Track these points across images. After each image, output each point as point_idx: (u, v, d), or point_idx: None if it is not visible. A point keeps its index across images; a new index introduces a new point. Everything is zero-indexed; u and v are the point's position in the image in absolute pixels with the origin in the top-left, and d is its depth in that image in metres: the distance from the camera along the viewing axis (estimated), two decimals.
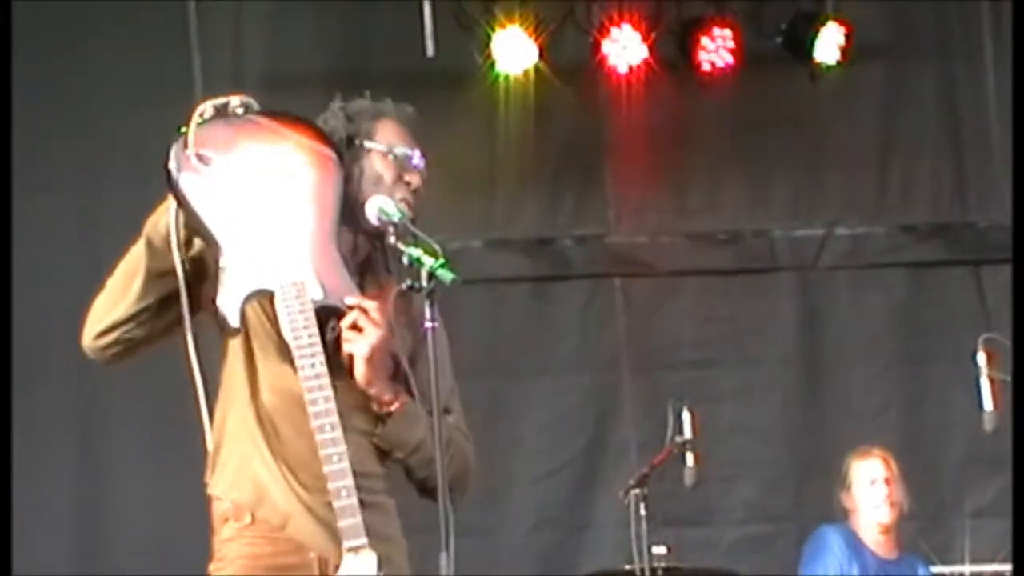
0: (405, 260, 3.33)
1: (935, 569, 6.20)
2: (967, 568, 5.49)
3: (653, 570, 5.61)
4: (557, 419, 7.20)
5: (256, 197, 3.22)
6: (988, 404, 5.11)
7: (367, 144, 3.41)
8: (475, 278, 6.78)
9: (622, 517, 5.90)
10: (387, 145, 3.44)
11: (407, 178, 3.45)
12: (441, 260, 3.30)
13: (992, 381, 5.11)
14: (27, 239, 6.50)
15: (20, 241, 6.32)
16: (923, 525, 6.62)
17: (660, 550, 5.64)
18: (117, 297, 3.30)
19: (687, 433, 5.75)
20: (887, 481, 6.09)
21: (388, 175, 3.41)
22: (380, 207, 3.41)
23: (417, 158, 3.49)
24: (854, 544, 6.08)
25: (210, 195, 3.18)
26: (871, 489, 6.09)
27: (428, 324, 3.31)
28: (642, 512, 5.72)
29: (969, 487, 7.11)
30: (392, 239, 3.35)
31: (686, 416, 5.75)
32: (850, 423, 7.15)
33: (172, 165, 3.17)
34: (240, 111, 3.26)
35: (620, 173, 7.33)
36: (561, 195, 7.35)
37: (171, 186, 3.18)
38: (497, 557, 6.97)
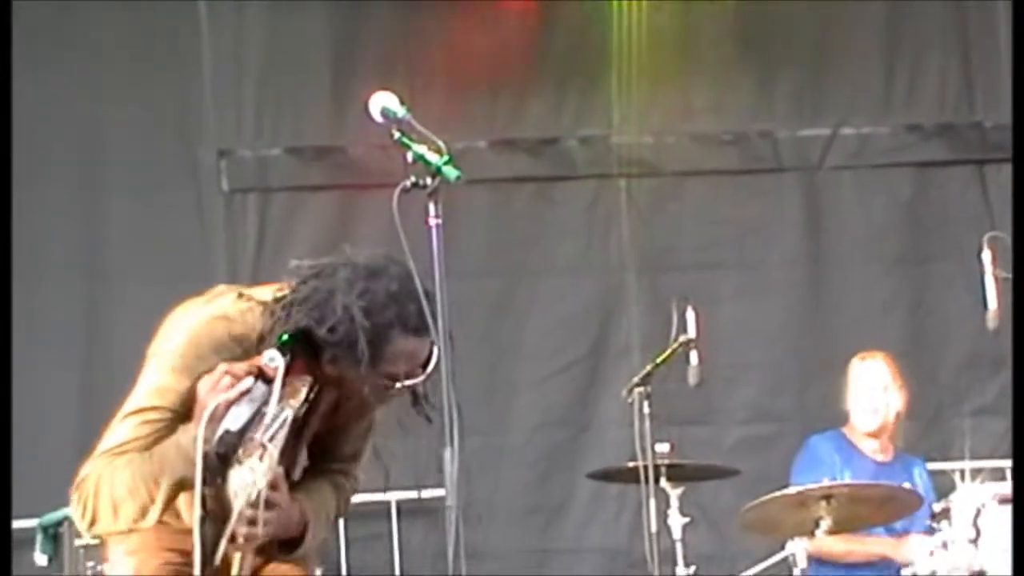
0: (410, 157, 3.33)
1: (935, 466, 6.25)
2: (967, 465, 5.52)
3: (656, 468, 5.64)
4: (561, 320, 7.22)
5: None
6: (992, 302, 5.11)
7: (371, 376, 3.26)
8: (480, 178, 6.78)
9: (625, 417, 5.92)
10: (385, 376, 3.28)
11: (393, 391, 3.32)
12: (446, 157, 3.30)
13: (996, 279, 5.11)
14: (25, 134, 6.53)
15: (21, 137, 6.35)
16: (924, 424, 6.67)
17: (663, 448, 5.67)
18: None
19: (691, 332, 5.75)
20: (874, 389, 6.11)
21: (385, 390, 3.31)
22: (383, 105, 3.41)
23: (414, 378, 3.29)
24: (845, 449, 6.12)
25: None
26: (862, 394, 6.13)
27: (432, 222, 3.32)
28: (645, 411, 5.74)
29: (970, 386, 7.14)
30: (397, 135, 3.34)
31: (690, 315, 5.74)
32: (853, 323, 7.17)
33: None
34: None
35: (625, 73, 7.28)
36: (566, 95, 7.32)
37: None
38: (501, 457, 7.03)
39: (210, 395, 3.11)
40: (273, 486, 3.19)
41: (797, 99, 7.42)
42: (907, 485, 5.72)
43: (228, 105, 7.01)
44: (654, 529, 5.68)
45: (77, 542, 5.37)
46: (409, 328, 3.22)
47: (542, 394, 7.14)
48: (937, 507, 5.42)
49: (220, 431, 3.08)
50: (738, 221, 7.33)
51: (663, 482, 5.68)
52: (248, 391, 3.13)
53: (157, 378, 3.23)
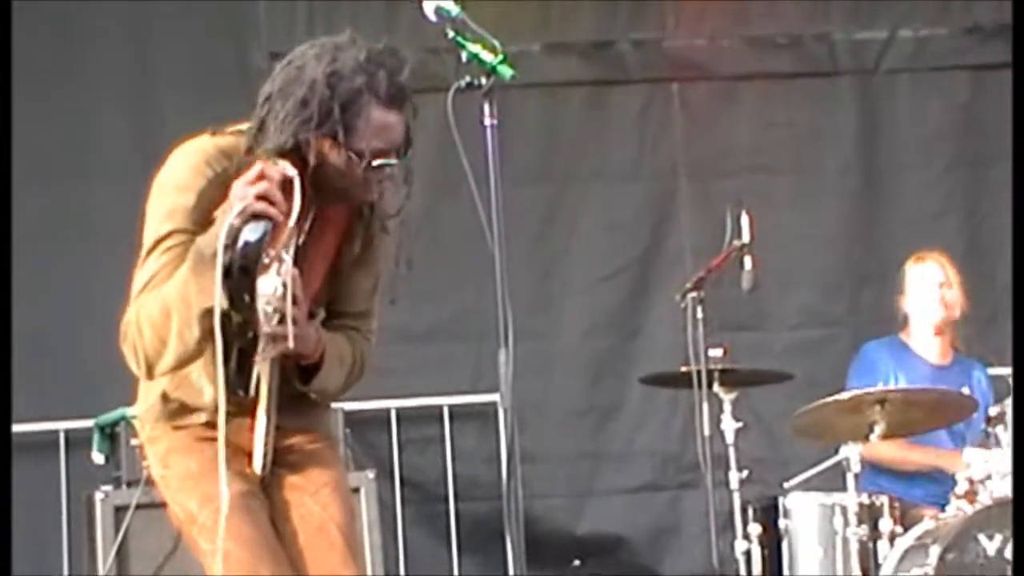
0: (464, 57, 3.32)
1: (991, 371, 6.22)
2: None
3: (709, 372, 5.64)
4: (613, 224, 7.19)
5: None
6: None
7: (341, 152, 3.22)
8: (532, 83, 6.74)
9: (676, 322, 5.92)
10: (357, 154, 3.21)
11: (376, 178, 3.27)
12: (500, 56, 3.29)
13: None
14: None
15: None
16: (980, 328, 6.62)
17: (716, 352, 5.66)
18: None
19: (745, 237, 5.72)
20: (941, 284, 6.09)
21: (360, 175, 3.24)
22: (438, 4, 3.40)
23: (390, 159, 3.24)
24: (900, 355, 6.09)
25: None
26: (925, 292, 6.10)
27: (488, 122, 3.31)
28: (699, 315, 5.74)
29: None
30: (451, 34, 3.33)
31: (744, 219, 5.71)
32: (908, 228, 7.12)
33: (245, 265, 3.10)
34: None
35: None
36: None
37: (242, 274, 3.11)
38: (553, 361, 7.04)
39: (243, 190, 3.09)
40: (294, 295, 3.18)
41: (853, 1, 7.32)
42: (965, 389, 5.69)
43: (280, 6, 6.98)
44: (707, 433, 5.70)
45: (133, 441, 5.42)
46: (380, 96, 3.19)
47: (594, 298, 7.13)
48: (993, 411, 5.41)
49: (240, 244, 3.05)
50: (792, 125, 7.27)
51: (716, 387, 5.69)
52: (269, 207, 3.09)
53: (161, 206, 3.23)
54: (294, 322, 3.16)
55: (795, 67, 7.30)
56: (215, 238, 3.07)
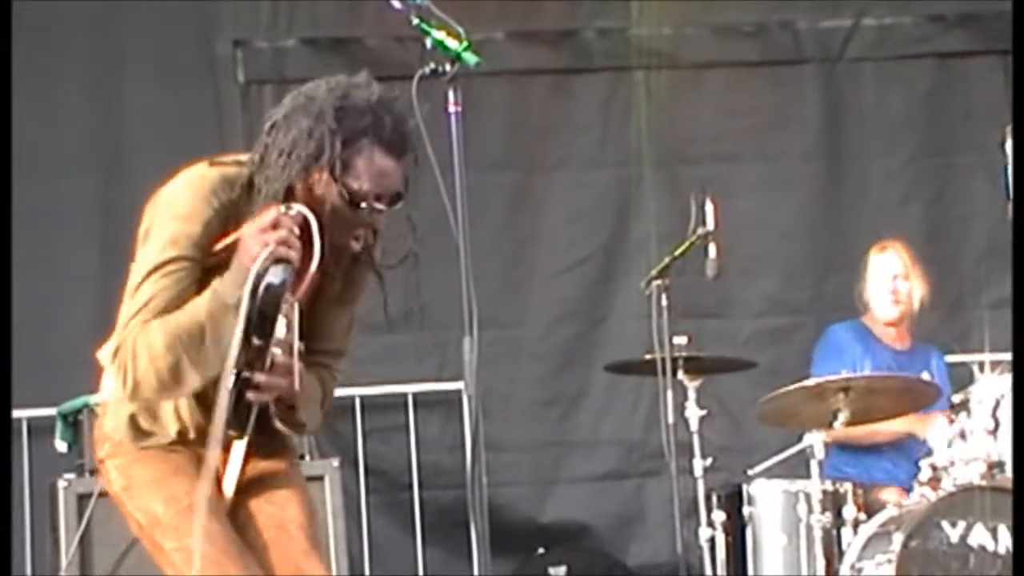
0: (428, 43, 3.31)
1: (953, 358, 6.26)
2: (986, 357, 5.52)
3: (674, 360, 5.65)
4: (578, 212, 7.19)
5: None
6: (1013, 192, 5.08)
7: (333, 188, 3.20)
8: (497, 70, 6.73)
9: (642, 309, 5.93)
10: (349, 193, 3.19)
11: (360, 223, 3.27)
12: (465, 43, 3.28)
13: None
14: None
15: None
16: (942, 316, 6.67)
17: (681, 340, 5.68)
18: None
19: (709, 224, 5.73)
20: (896, 277, 6.12)
21: (347, 215, 3.23)
22: None
23: (380, 204, 3.23)
24: (865, 338, 6.13)
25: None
26: (881, 284, 6.13)
27: (452, 109, 3.31)
28: (663, 303, 5.75)
29: (989, 278, 7.10)
30: (415, 21, 3.32)
31: (708, 207, 5.72)
32: (872, 215, 7.15)
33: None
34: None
35: None
36: None
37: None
38: (518, 349, 7.04)
39: (260, 236, 3.10)
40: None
41: None
42: (925, 375, 5.72)
43: None
44: (671, 421, 5.71)
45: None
46: (382, 141, 3.18)
47: (559, 286, 7.13)
48: (956, 398, 5.43)
49: (262, 288, 3.06)
50: (757, 113, 7.28)
51: (680, 374, 5.71)
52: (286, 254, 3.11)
53: (165, 232, 3.18)
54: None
55: (759, 55, 7.32)
56: (236, 285, 3.09)
